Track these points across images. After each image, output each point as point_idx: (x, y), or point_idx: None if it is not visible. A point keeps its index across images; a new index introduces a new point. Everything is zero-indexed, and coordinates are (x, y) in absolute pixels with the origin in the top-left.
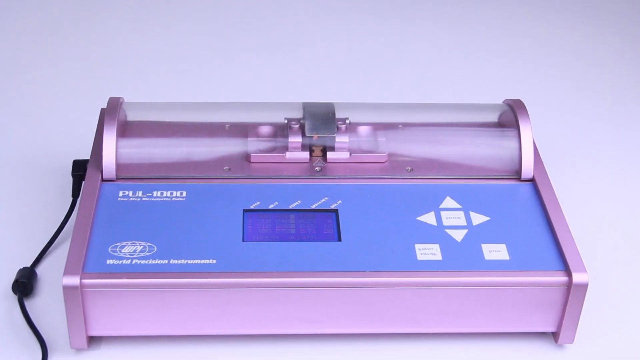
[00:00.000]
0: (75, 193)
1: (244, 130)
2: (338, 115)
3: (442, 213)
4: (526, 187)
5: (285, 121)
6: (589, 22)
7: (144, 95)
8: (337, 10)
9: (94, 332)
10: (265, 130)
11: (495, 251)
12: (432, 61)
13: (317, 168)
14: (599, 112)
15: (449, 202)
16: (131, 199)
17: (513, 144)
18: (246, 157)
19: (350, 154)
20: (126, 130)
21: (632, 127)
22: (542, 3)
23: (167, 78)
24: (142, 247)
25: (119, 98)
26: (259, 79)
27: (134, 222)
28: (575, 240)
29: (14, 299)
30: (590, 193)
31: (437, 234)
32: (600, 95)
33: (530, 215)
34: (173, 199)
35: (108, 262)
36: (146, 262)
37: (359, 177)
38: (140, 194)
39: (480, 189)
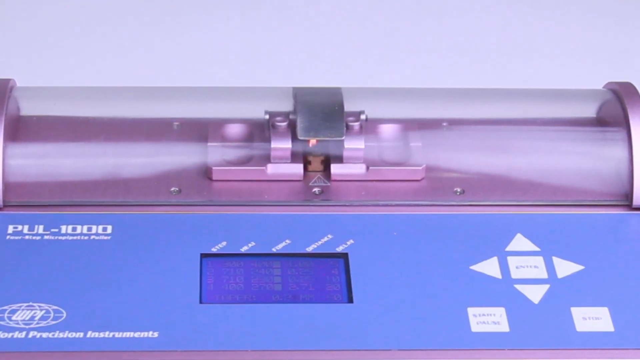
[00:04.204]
0: None
1: (202, 130)
2: (348, 107)
3: (510, 259)
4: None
5: (267, 116)
6: None
7: (48, 76)
8: None
9: None
10: (235, 130)
11: (593, 318)
12: (490, 23)
13: (317, 190)
14: None
15: (520, 242)
16: (27, 236)
17: (620, 151)
18: (205, 172)
19: (368, 168)
20: (19, 130)
21: None
22: None
23: (83, 48)
24: (43, 311)
25: (8, 80)
26: (226, 51)
27: (31, 273)
28: None
29: None
30: None
31: (502, 291)
32: None
33: None
34: (92, 237)
35: None
36: (50, 335)
37: (381, 203)
38: (41, 229)
39: (568, 221)
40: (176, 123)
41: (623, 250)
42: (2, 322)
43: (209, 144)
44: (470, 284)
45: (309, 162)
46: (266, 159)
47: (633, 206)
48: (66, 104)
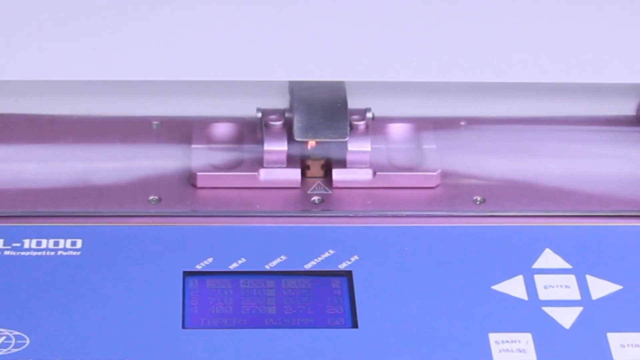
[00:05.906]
0: None
1: (184, 130)
2: (352, 103)
3: (538, 278)
4: None
5: (259, 114)
6: None
7: (8, 68)
8: None
9: None
10: (222, 130)
11: (632, 345)
12: (515, 7)
13: (316, 198)
14: None
15: (549, 258)
16: None
17: None
18: (189, 178)
19: (375, 174)
20: None
21: None
22: None
23: (47, 35)
24: (3, 338)
25: None
26: (212, 39)
27: None
28: None
29: None
30: None
31: (528, 315)
32: None
33: None
34: (59, 253)
35: None
36: None
37: (390, 213)
38: (0, 243)
39: (604, 235)
40: (155, 122)
41: None
42: None
43: (192, 146)
44: (492, 306)
45: (308, 167)
46: (258, 163)
47: None
48: (29, 100)
